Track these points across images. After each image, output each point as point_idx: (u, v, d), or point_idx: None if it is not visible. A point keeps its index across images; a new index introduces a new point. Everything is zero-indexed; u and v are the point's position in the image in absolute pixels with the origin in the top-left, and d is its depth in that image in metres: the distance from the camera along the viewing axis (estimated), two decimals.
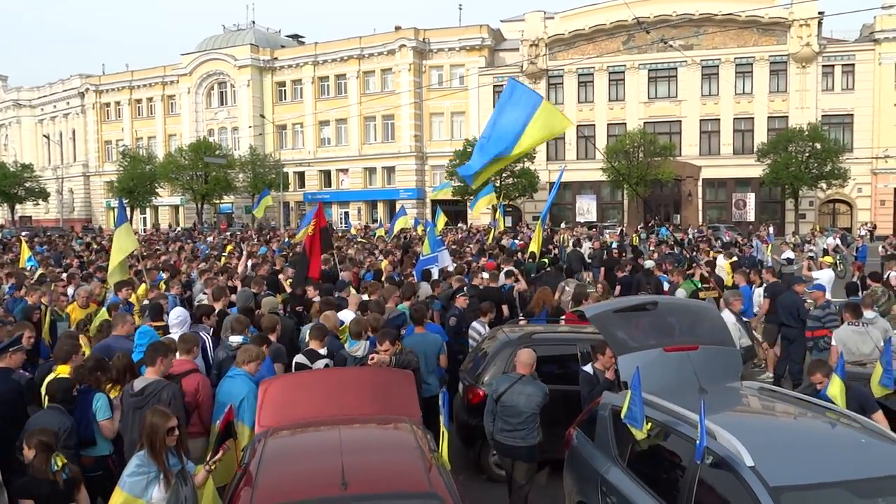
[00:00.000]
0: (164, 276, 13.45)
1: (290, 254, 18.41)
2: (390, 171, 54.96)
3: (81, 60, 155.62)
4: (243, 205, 58.46)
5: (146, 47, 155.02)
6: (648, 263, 15.53)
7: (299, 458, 4.77)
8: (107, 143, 67.62)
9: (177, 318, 7.92)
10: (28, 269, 15.33)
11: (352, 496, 4.05)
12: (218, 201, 56.34)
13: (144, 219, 63.36)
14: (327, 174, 57.84)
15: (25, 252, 15.46)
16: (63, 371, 6.06)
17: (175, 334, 7.37)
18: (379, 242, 24.18)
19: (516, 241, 25.32)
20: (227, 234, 37.92)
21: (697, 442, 4.26)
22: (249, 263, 14.94)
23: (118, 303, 9.85)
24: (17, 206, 62.20)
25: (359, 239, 28.22)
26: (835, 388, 5.58)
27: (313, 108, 56.92)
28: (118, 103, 66.51)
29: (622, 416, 5.19)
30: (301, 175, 58.25)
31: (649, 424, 5.04)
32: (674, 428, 4.92)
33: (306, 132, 57.91)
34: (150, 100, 65.03)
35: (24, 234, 41.63)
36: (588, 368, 7.00)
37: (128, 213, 12.81)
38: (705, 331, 6.27)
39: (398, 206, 53.40)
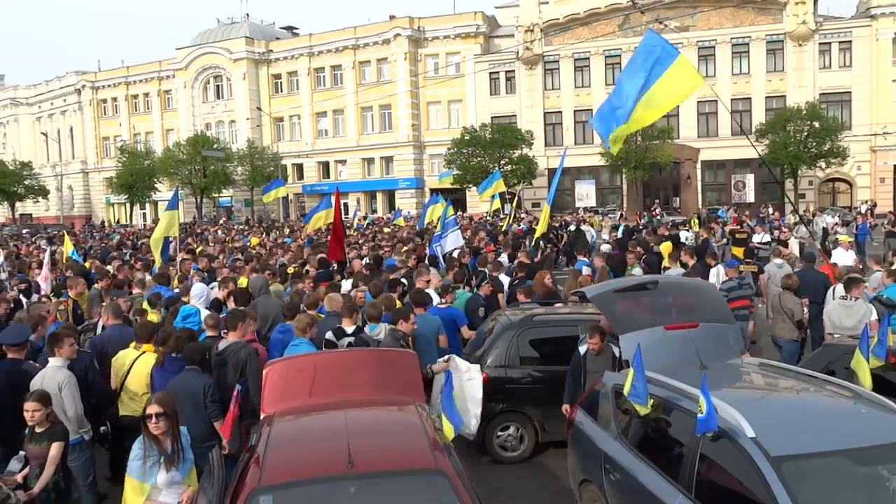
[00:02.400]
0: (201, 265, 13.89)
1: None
2: (388, 160, 54.89)
3: (77, 57, 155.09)
4: (242, 198, 58.44)
5: (141, 42, 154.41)
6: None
7: (305, 440, 4.84)
8: (104, 139, 67.51)
9: (197, 293, 9.05)
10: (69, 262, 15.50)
11: (358, 474, 4.12)
12: (217, 195, 56.31)
13: (144, 214, 63.33)
14: (325, 165, 57.78)
15: (69, 246, 15.66)
16: (148, 349, 6.86)
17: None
18: (400, 231, 24.40)
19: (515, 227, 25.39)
20: (243, 226, 37.94)
21: (700, 415, 4.31)
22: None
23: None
24: (18, 204, 62.18)
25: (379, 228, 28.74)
26: (861, 367, 5.63)
27: (310, 99, 56.79)
28: (115, 99, 66.34)
29: (625, 393, 5.24)
30: (299, 167, 58.19)
31: (652, 401, 5.08)
32: (676, 403, 4.97)
33: (303, 124, 57.81)
34: (146, 95, 64.86)
35: (24, 231, 41.72)
36: (581, 348, 7.05)
37: (178, 201, 13.83)
38: (706, 309, 6.30)
39: (397, 196, 53.89)
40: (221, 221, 48.30)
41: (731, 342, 6.06)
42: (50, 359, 6.21)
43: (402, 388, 5.73)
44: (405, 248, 16.53)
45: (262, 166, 53.22)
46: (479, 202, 42.91)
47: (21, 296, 11.54)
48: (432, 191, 44.96)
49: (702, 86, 6.98)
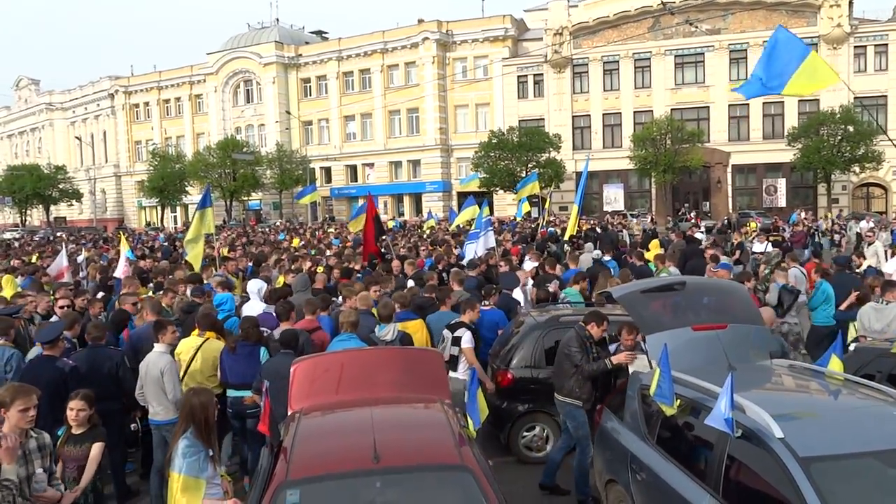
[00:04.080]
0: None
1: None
2: (415, 164, 55.10)
3: (110, 62, 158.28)
4: (271, 201, 59.07)
5: (173, 47, 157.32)
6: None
7: (332, 436, 4.90)
8: (137, 143, 68.80)
9: (255, 287, 9.92)
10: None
11: (384, 469, 4.16)
12: (246, 198, 56.97)
13: (175, 217, 64.33)
14: (353, 169, 58.16)
15: (125, 245, 16.08)
16: (210, 335, 7.47)
17: (254, 299, 9.68)
18: (433, 234, 24.59)
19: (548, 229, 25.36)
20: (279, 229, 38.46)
21: (721, 412, 4.29)
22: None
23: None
24: (52, 207, 63.56)
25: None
26: (835, 366, 5.59)
27: (338, 103, 57.26)
28: (147, 104, 67.59)
29: (651, 393, 5.23)
30: (328, 170, 58.66)
31: (679, 401, 5.07)
32: (703, 404, 4.94)
33: (332, 127, 58.28)
34: (177, 99, 65.98)
35: (58, 233, 42.67)
36: (612, 347, 7.05)
37: (211, 198, 14.30)
38: (735, 310, 6.27)
39: (424, 199, 54.04)
40: (275, 224, 48.55)
41: (760, 343, 6.00)
42: (155, 345, 6.77)
43: (428, 386, 5.75)
44: (440, 249, 16.62)
45: (290, 169, 53.77)
46: (508, 205, 42.86)
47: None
48: (463, 194, 45.08)
49: (835, 83, 7.00)
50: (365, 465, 4.20)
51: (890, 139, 10.67)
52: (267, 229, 39.97)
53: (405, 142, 55.09)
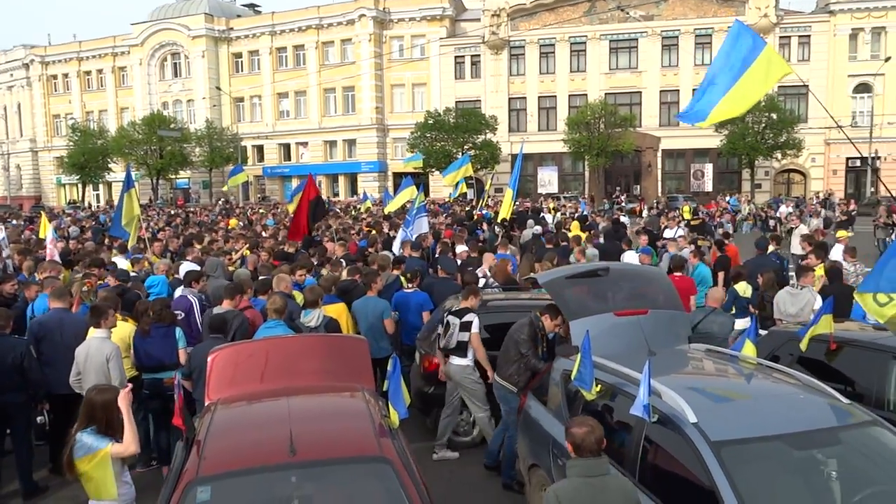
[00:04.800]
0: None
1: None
2: (351, 143, 54.43)
3: (25, 31, 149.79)
4: (200, 180, 57.41)
5: (94, 16, 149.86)
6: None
7: (247, 429, 4.76)
8: (55, 116, 65.49)
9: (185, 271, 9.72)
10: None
11: (300, 462, 4.07)
12: (174, 176, 55.21)
13: (97, 195, 61.76)
14: (287, 148, 57.03)
15: (46, 227, 15.20)
16: (131, 322, 7.44)
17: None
18: (368, 216, 24.24)
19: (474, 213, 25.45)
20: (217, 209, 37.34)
21: (640, 400, 4.36)
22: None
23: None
24: None
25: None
26: (749, 350, 5.78)
27: (271, 79, 55.89)
28: (66, 75, 64.32)
29: (572, 378, 5.28)
30: (260, 149, 57.34)
31: (598, 387, 5.13)
32: (622, 389, 5.03)
33: (264, 105, 56.91)
34: (99, 72, 63.05)
35: None
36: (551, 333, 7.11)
37: (133, 179, 13.79)
38: (656, 296, 6.40)
39: (360, 180, 53.49)
40: (216, 203, 47.06)
41: (679, 329, 6.15)
42: (96, 331, 6.61)
43: (352, 374, 5.68)
44: (372, 231, 16.48)
45: (221, 147, 52.35)
46: (444, 186, 42.79)
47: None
48: (398, 174, 44.76)
49: (789, 74, 6.94)
50: (280, 458, 4.09)
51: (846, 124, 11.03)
52: (196, 209, 38.82)
53: (340, 121, 54.30)
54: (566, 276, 6.35)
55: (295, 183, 56.20)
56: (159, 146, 51.17)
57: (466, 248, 12.82)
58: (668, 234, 16.19)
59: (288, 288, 8.55)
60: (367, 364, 5.94)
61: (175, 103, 59.13)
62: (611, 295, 6.27)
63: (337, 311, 7.95)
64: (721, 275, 11.15)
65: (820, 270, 9.55)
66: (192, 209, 39.50)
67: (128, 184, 13.54)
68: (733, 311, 9.25)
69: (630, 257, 12.44)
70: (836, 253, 12.43)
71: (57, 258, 12.25)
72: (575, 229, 16.31)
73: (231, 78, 57.51)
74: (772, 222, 29.15)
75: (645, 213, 31.18)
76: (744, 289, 9.53)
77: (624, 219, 22.09)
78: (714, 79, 6.80)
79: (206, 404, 5.43)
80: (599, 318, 5.87)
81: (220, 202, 47.11)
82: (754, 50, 6.63)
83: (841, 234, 14.51)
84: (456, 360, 7.25)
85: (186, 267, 10.52)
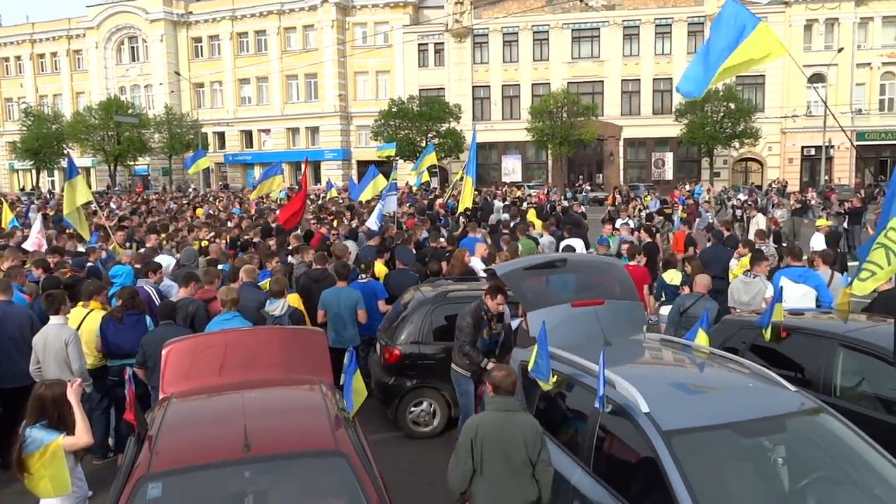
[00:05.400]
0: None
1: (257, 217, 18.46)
2: (314, 131, 53.88)
3: None
4: (160, 167, 56.30)
5: None
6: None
7: (201, 424, 4.68)
8: (7, 100, 63.41)
9: (163, 263, 9.61)
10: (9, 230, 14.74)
11: (254, 458, 4.02)
12: (132, 163, 54.02)
13: (52, 181, 60.09)
14: (248, 134, 56.20)
15: (7, 214, 14.69)
16: (96, 306, 7.42)
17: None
18: (331, 204, 23.93)
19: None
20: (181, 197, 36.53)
21: (597, 391, 4.40)
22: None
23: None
24: None
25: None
26: (702, 340, 5.89)
27: (232, 65, 54.91)
28: (18, 58, 62.26)
29: (529, 369, 5.30)
30: (221, 135, 56.39)
31: (555, 377, 5.16)
32: (578, 380, 5.07)
33: (225, 91, 55.91)
34: (54, 55, 61.17)
35: None
36: (514, 322, 7.17)
37: (76, 168, 13.42)
38: (612, 286, 6.46)
39: (323, 168, 52.98)
40: (186, 190, 46.05)
41: (635, 318, 6.22)
42: (52, 317, 6.58)
43: (310, 367, 5.63)
44: (336, 221, 16.31)
45: (180, 134, 51.38)
46: (409, 174, 42.64)
47: None
48: (363, 162, 44.37)
49: (782, 55, 6.95)
50: (234, 454, 4.04)
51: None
52: (168, 195, 37.98)
53: (303, 108, 53.66)
54: (524, 267, 6.37)
55: (258, 171, 55.48)
56: (117, 132, 49.96)
57: (443, 239, 12.81)
58: (618, 222, 16.28)
59: (253, 277, 8.51)
60: (325, 356, 5.89)
61: (133, 88, 57.74)
62: (568, 286, 6.32)
63: (290, 301, 7.90)
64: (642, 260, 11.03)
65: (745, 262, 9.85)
66: (153, 195, 38.71)
67: (70, 173, 13.08)
68: (663, 299, 9.61)
69: (570, 244, 12.54)
70: (818, 242, 12.66)
71: (45, 247, 11.96)
72: (532, 217, 16.43)
73: (191, 63, 56.33)
74: (738, 212, 29.76)
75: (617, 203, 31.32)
76: (671, 277, 9.74)
77: (581, 207, 22.27)
78: (708, 54, 6.89)
79: (159, 398, 5.35)
80: (556, 309, 5.91)
81: (191, 189, 46.38)
82: (747, 26, 6.70)
83: (821, 222, 14.74)
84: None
85: (164, 260, 10.41)
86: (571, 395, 5.21)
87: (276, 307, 7.53)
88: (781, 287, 6.56)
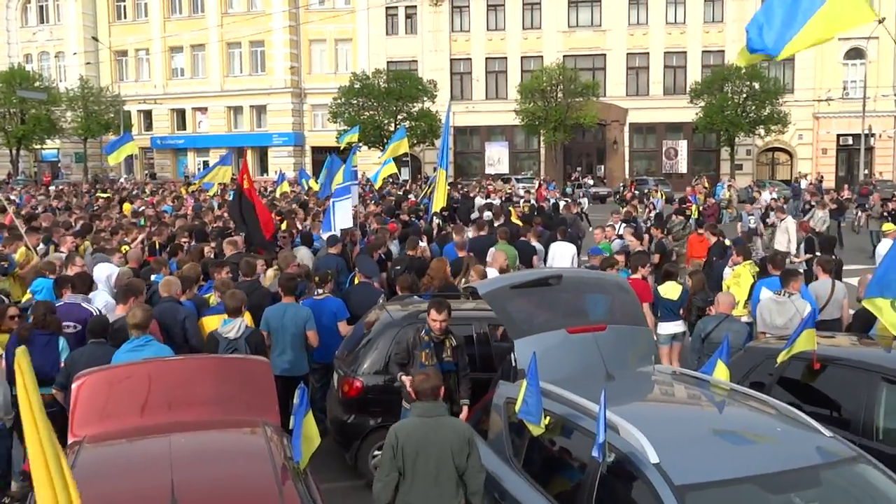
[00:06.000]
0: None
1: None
2: (260, 110, 53.71)
3: None
4: (72, 151, 55.61)
5: None
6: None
7: (119, 475, 4.65)
8: None
9: (102, 273, 9.81)
10: None
11: None
12: (39, 147, 53.31)
13: None
14: (181, 114, 55.82)
15: None
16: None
17: (101, 289, 9.40)
18: (282, 201, 23.74)
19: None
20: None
21: (596, 437, 4.40)
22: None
23: None
24: None
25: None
26: (721, 374, 5.91)
27: (161, 30, 54.51)
28: None
29: (517, 409, 5.29)
30: (147, 114, 55.98)
31: (547, 419, 5.16)
32: (575, 422, 5.07)
33: (153, 60, 55.48)
34: None
35: None
36: (513, 356, 7.09)
37: None
38: (615, 308, 6.49)
39: (271, 155, 52.71)
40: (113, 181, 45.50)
41: (642, 347, 6.24)
42: None
43: (251, 404, 5.60)
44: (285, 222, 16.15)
45: (98, 112, 50.87)
46: (374, 164, 42.54)
47: None
48: (319, 149, 44.12)
49: (870, 21, 6.88)
50: None
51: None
52: (63, 186, 37.49)
53: (247, 82, 53.42)
54: (511, 285, 6.36)
55: (191, 158, 55.30)
56: (20, 109, 49.35)
57: (423, 245, 12.76)
58: (618, 227, 16.21)
59: (178, 293, 8.48)
60: (269, 391, 5.85)
61: (41, 56, 57.12)
62: (563, 307, 6.32)
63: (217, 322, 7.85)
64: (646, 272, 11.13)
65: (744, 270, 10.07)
66: (63, 185, 38.19)
67: None
68: (658, 315, 9.76)
69: (559, 249, 12.69)
70: (886, 249, 12.77)
71: None
72: (515, 217, 16.40)
73: (111, 27, 55.87)
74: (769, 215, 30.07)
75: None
76: (669, 290, 9.83)
77: (576, 207, 22.44)
78: (778, 8, 6.85)
79: (69, 442, 5.27)
80: (549, 336, 5.92)
81: (121, 179, 45.93)
82: None
83: (888, 227, 15.02)
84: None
85: (104, 270, 10.23)
86: (566, 441, 5.21)
87: (231, 328, 7.43)
88: (814, 310, 6.62)
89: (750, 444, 4.64)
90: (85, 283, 8.70)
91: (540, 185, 33.81)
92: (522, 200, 24.93)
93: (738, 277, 10.30)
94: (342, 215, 13.64)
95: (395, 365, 6.96)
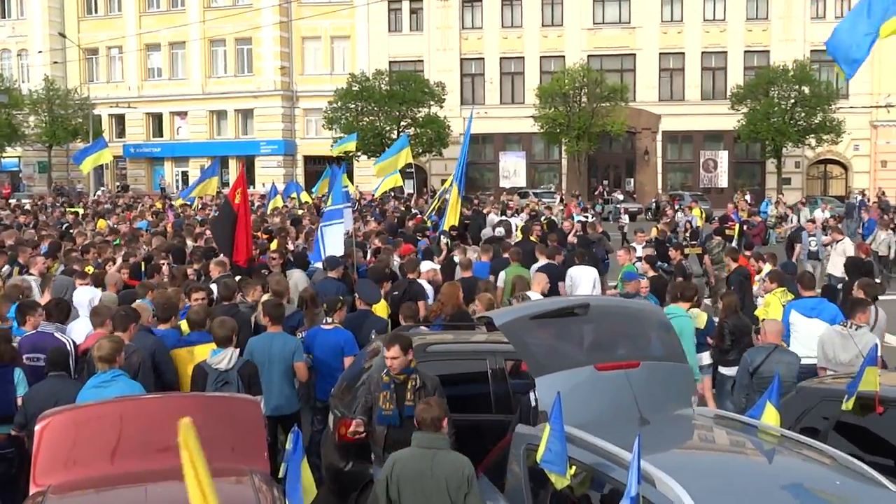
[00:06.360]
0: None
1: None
2: (246, 115, 54.03)
3: None
4: (35, 160, 55.99)
5: None
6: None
7: None
8: None
9: (84, 297, 10.04)
10: None
11: None
12: None
13: None
14: (157, 119, 56.22)
15: None
16: None
17: (82, 314, 9.43)
18: (275, 216, 23.82)
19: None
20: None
21: (627, 490, 4.37)
22: None
23: None
24: None
25: None
26: (771, 418, 5.87)
27: (136, 26, 54.98)
28: None
29: (539, 458, 5.27)
30: (120, 119, 56.41)
31: (573, 469, 5.13)
32: (604, 473, 5.04)
33: (127, 60, 55.93)
34: None
35: None
36: (531, 396, 7.04)
37: None
38: (650, 341, 6.45)
39: (258, 166, 52.87)
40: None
41: (681, 387, 6.21)
42: None
43: (238, 450, 5.60)
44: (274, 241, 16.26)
45: (65, 117, 51.26)
46: (373, 177, 42.71)
47: None
48: (312, 159, 44.09)
49: None
50: None
51: None
52: (30, 201, 37.71)
53: (232, 84, 53.78)
54: (531, 315, 6.35)
55: (168, 168, 55.60)
56: None
57: (435, 267, 12.77)
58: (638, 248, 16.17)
59: (150, 321, 8.60)
60: (259, 435, 5.86)
61: (2, 54, 57.81)
62: (591, 341, 6.29)
63: (203, 352, 7.84)
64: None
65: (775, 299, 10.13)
66: (25, 200, 38.41)
67: None
68: None
69: (578, 273, 12.72)
70: None
71: None
72: (519, 235, 16.60)
73: (80, 22, 56.45)
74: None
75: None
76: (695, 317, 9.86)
77: (600, 227, 22.47)
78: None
79: (31, 492, 5.28)
80: (575, 374, 5.89)
81: (101, 191, 46.23)
82: None
83: None
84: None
85: (86, 294, 10.36)
86: (595, 494, 5.19)
87: (221, 358, 7.41)
88: (876, 345, 6.58)
89: (804, 500, 4.61)
90: (62, 311, 8.71)
91: (562, 200, 33.83)
92: (543, 217, 24.95)
93: (767, 307, 10.30)
94: (333, 242, 13.63)
95: (361, 410, 6.94)
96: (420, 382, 6.70)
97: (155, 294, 9.89)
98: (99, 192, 46.77)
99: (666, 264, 15.01)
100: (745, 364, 8.17)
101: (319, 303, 9.57)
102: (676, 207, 31.21)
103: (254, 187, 46.99)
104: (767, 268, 12.84)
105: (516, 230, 19.29)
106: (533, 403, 6.61)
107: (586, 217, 25.33)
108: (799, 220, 28.46)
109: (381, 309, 10.22)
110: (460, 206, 18.21)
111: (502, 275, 12.33)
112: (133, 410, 5.99)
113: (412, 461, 5.27)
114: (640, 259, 14.28)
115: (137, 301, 9.19)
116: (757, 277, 13.05)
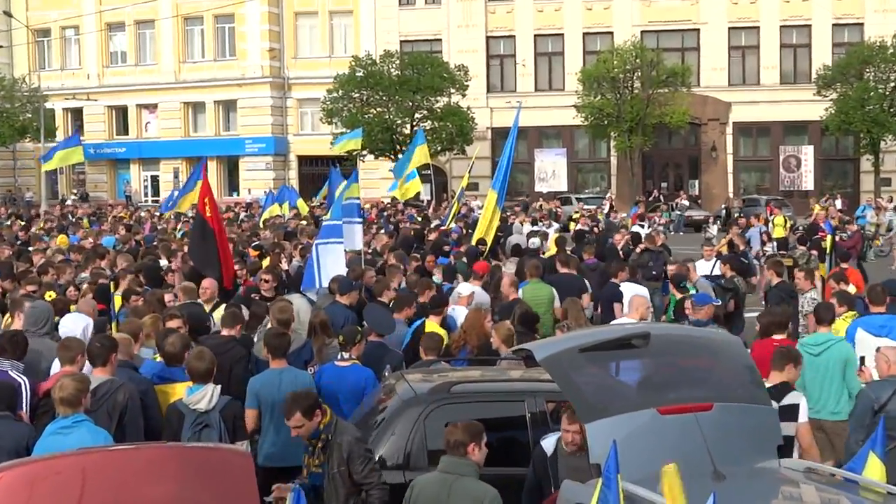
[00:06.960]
0: None
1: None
2: (228, 107, 54.49)
3: None
4: None
5: None
6: None
7: None
8: None
9: (77, 325, 9.95)
10: None
11: None
12: None
13: None
14: (121, 113, 56.75)
15: None
16: None
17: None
18: (269, 230, 24.05)
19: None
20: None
21: None
22: None
23: None
24: None
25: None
26: (874, 472, 5.82)
27: (96, 3, 55.50)
28: None
29: None
30: (77, 113, 56.94)
31: None
32: None
33: (84, 42, 56.53)
34: None
35: None
36: (548, 442, 7.05)
37: None
38: (725, 378, 6.43)
39: (243, 168, 53.13)
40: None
41: (764, 434, 6.18)
42: None
43: None
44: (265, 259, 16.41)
45: (11, 112, 51.60)
46: (383, 179, 42.83)
47: None
48: (307, 159, 44.23)
49: None
50: None
51: None
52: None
53: (211, 70, 54.22)
54: (580, 347, 6.34)
55: (135, 172, 55.98)
56: None
57: (474, 289, 12.83)
58: (701, 267, 16.16)
59: (130, 355, 8.59)
60: (249, 493, 5.85)
61: None
62: (652, 378, 6.28)
63: (178, 391, 7.91)
64: None
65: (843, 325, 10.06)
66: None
67: None
68: None
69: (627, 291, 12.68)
70: None
71: None
72: (553, 247, 16.75)
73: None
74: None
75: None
76: None
77: (639, 229, 22.55)
78: None
79: None
80: (633, 418, 5.88)
81: (71, 201, 46.81)
82: None
83: None
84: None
85: (78, 322, 10.35)
86: None
87: (199, 397, 7.47)
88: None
89: None
90: (17, 347, 8.78)
91: (613, 207, 33.74)
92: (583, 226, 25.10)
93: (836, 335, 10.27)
94: (333, 263, 13.68)
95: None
96: (332, 445, 6.83)
97: (123, 324, 9.96)
98: (69, 201, 47.08)
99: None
100: (867, 401, 8.03)
101: (332, 332, 9.58)
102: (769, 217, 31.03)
103: (238, 194, 47.35)
104: (852, 289, 12.72)
105: (549, 241, 19.35)
106: (549, 453, 6.65)
107: (642, 226, 25.28)
108: None
109: (433, 326, 10.38)
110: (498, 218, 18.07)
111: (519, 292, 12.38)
112: (100, 464, 6.02)
113: (430, 486, 5.80)
114: (707, 278, 14.26)
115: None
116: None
